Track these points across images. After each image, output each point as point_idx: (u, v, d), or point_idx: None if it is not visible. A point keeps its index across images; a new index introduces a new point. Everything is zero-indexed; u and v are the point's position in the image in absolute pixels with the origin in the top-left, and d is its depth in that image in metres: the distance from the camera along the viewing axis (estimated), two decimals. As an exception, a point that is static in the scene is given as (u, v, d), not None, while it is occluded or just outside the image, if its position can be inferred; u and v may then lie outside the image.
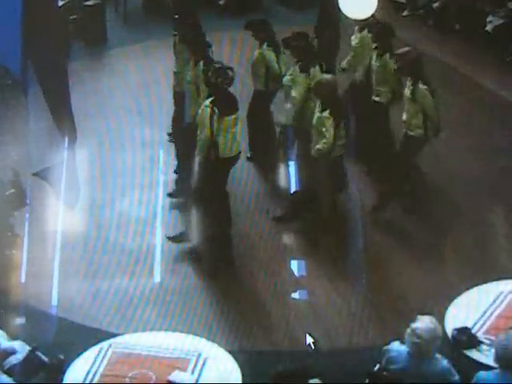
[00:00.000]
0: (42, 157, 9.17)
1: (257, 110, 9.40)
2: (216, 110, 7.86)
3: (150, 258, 8.36)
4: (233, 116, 7.99)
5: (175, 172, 9.28)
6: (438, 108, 8.40)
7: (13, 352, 6.29)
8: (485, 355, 6.28)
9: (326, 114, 8.17)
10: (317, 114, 8.25)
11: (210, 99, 7.96)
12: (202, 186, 8.20)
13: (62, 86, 8.04)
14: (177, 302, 7.80)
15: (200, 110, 8.02)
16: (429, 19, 12.69)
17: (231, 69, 8.09)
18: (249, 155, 9.55)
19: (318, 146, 8.23)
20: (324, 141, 8.18)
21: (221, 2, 13.24)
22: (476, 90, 10.95)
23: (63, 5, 11.41)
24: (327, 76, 8.49)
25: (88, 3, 12.39)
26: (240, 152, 8.25)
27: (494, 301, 6.82)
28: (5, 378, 6.03)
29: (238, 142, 8.11)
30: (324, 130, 8.15)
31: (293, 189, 8.98)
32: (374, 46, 9.02)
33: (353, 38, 9.46)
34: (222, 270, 8.18)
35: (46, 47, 7.46)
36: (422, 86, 8.28)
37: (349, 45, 9.55)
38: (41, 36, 7.32)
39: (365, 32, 9.27)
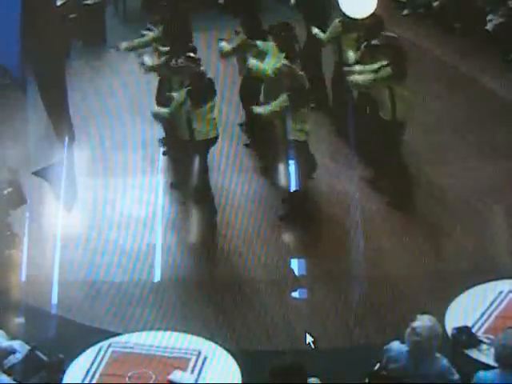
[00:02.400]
0: (41, 156, 9.17)
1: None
2: (189, 100, 8.20)
3: (149, 258, 8.36)
4: (209, 104, 8.29)
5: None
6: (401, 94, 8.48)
7: (12, 351, 6.29)
8: (484, 354, 6.27)
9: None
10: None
11: (187, 88, 8.25)
12: (183, 166, 8.63)
13: (59, 85, 8.05)
14: (176, 302, 7.80)
15: (176, 98, 8.31)
16: (429, 18, 12.71)
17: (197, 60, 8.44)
18: (248, 142, 9.81)
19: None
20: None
21: (220, 1, 13.25)
22: (476, 89, 10.95)
23: (62, 4, 11.41)
24: (285, 62, 8.57)
25: (87, 2, 12.40)
26: (217, 135, 8.56)
27: (494, 300, 6.81)
28: (4, 377, 6.03)
29: (215, 125, 8.47)
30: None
31: (292, 188, 9.00)
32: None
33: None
34: (221, 268, 8.20)
35: (45, 47, 7.47)
36: (388, 69, 8.41)
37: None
38: (39, 35, 7.32)
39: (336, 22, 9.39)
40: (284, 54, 8.75)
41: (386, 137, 8.77)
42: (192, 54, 8.55)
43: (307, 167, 8.78)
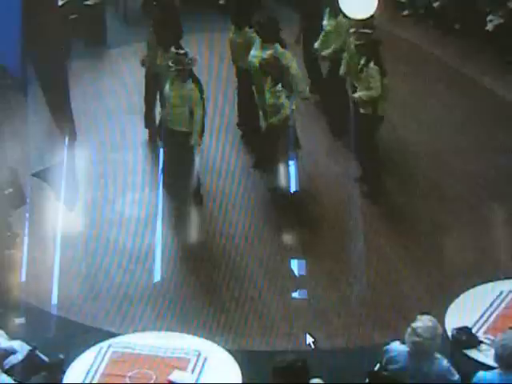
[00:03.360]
0: (41, 156, 9.18)
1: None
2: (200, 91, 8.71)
3: (149, 258, 8.37)
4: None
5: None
6: (384, 88, 8.69)
7: (13, 352, 6.30)
8: (485, 355, 6.27)
9: (280, 87, 8.60)
10: (271, 89, 8.64)
11: (193, 82, 8.63)
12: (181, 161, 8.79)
13: (61, 85, 8.05)
14: (176, 302, 7.80)
15: (183, 92, 8.59)
16: (429, 19, 12.70)
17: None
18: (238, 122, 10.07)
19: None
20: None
21: (221, 2, 13.25)
22: (476, 90, 10.95)
23: (63, 4, 11.41)
24: (269, 52, 8.89)
25: (88, 3, 12.37)
26: None
27: (494, 300, 6.82)
28: (5, 377, 6.03)
29: None
30: (280, 101, 8.62)
31: (293, 189, 9.01)
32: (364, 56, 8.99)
33: (325, 22, 9.67)
34: (221, 268, 8.21)
35: (46, 47, 7.46)
36: (372, 66, 8.65)
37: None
38: (41, 36, 7.32)
39: (340, 17, 9.42)
40: (266, 45, 9.05)
41: (385, 136, 8.83)
42: (179, 51, 8.75)
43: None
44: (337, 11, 9.26)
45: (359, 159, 9.22)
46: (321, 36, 9.80)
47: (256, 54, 9.16)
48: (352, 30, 9.26)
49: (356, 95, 8.84)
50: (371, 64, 8.71)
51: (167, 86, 8.82)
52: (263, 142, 9.27)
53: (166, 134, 9.09)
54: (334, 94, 9.77)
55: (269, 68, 8.74)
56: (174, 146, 8.89)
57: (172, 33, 9.34)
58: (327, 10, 9.72)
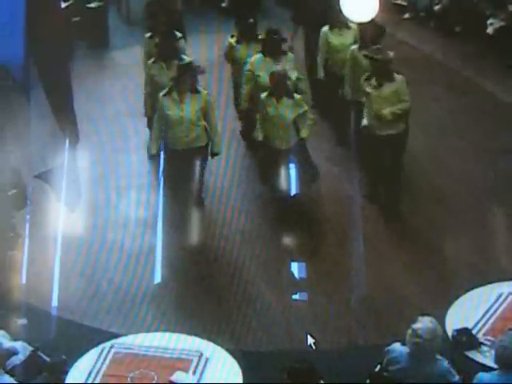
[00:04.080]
0: (43, 158, 9.20)
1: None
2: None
3: (150, 259, 8.39)
4: None
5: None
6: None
7: (15, 352, 6.31)
8: (485, 356, 6.30)
9: (298, 96, 8.65)
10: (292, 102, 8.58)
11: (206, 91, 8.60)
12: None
13: (64, 87, 8.06)
14: (177, 303, 7.83)
15: (199, 104, 8.47)
16: (430, 22, 12.74)
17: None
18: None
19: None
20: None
21: (223, 5, 13.30)
22: (477, 92, 10.98)
23: (66, 7, 11.45)
24: (278, 67, 8.93)
25: (90, 5, 12.44)
26: None
27: (494, 302, 6.84)
28: (7, 378, 6.05)
29: None
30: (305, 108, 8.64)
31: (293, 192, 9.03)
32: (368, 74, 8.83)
33: (332, 38, 9.69)
34: (221, 269, 8.23)
35: (50, 48, 7.48)
36: (398, 76, 8.53)
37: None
38: (44, 37, 7.34)
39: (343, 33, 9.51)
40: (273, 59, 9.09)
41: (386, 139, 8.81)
42: (186, 58, 8.74)
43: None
44: (346, 24, 9.30)
45: (362, 164, 9.18)
46: (323, 54, 9.80)
47: (260, 72, 9.14)
48: (354, 47, 9.23)
49: (385, 112, 8.45)
50: (396, 75, 8.51)
51: (174, 110, 8.51)
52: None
53: (175, 156, 8.83)
54: (336, 106, 9.77)
55: (281, 79, 8.58)
56: (185, 162, 8.73)
57: (178, 42, 9.26)
58: (325, 28, 9.72)
